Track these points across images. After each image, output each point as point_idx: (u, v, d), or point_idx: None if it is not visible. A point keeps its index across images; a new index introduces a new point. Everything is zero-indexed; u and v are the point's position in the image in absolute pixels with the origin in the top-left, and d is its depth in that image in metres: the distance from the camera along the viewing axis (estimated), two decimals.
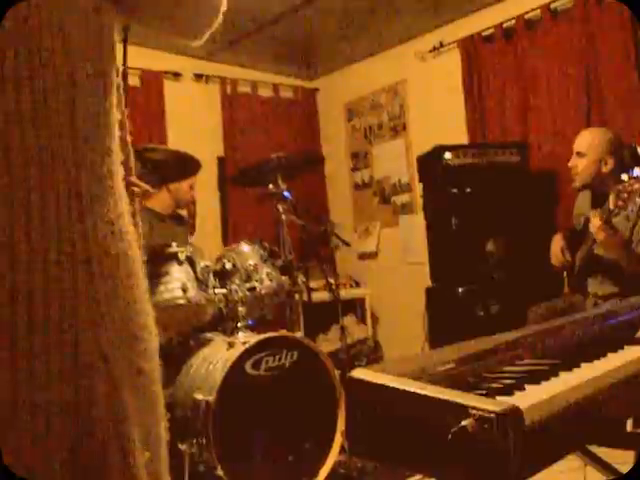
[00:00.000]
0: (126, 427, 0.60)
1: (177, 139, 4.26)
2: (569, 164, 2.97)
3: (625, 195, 2.37)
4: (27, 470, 0.55)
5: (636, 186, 2.35)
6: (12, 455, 0.54)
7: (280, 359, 2.43)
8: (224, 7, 0.72)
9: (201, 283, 2.57)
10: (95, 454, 0.57)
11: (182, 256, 2.54)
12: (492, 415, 0.79)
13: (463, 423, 0.79)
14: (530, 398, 0.92)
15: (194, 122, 4.63)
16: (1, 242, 0.54)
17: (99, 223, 0.60)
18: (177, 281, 2.49)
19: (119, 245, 0.62)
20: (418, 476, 2.42)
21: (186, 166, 2.68)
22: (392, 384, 0.92)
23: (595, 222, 2.55)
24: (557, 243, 3.01)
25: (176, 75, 4.53)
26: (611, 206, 2.46)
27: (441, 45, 4.47)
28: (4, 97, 0.57)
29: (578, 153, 2.92)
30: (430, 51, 4.55)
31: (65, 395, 0.56)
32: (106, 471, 0.58)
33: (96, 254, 0.59)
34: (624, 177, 2.39)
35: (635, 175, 2.36)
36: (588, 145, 2.90)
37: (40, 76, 0.59)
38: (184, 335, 2.66)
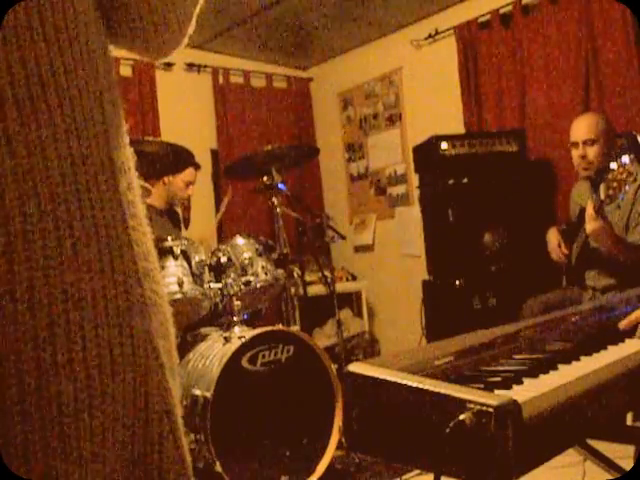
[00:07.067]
0: (176, 412, 0.64)
1: (170, 131, 4.22)
2: (578, 154, 2.84)
3: (615, 184, 2.34)
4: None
5: (625, 174, 2.31)
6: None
7: (276, 354, 2.42)
8: (192, 29, 0.73)
9: (196, 277, 2.56)
10: (152, 443, 0.61)
11: (177, 250, 2.52)
12: (490, 409, 0.78)
13: (461, 417, 0.79)
14: (529, 392, 0.92)
15: (187, 114, 4.58)
16: (72, 258, 0.57)
17: (136, 236, 0.64)
18: (173, 276, 2.47)
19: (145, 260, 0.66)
20: (415, 471, 2.43)
21: (180, 159, 2.65)
22: (389, 378, 0.91)
23: (588, 212, 2.51)
24: (554, 238, 2.98)
25: (168, 65, 4.48)
26: (602, 196, 2.44)
27: (437, 32, 4.43)
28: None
29: (586, 141, 2.81)
30: (425, 38, 4.51)
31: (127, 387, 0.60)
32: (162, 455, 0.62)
33: (142, 269, 0.63)
34: (613, 166, 2.35)
35: (624, 163, 2.31)
36: (598, 130, 2.80)
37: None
38: (181, 330, 2.65)
